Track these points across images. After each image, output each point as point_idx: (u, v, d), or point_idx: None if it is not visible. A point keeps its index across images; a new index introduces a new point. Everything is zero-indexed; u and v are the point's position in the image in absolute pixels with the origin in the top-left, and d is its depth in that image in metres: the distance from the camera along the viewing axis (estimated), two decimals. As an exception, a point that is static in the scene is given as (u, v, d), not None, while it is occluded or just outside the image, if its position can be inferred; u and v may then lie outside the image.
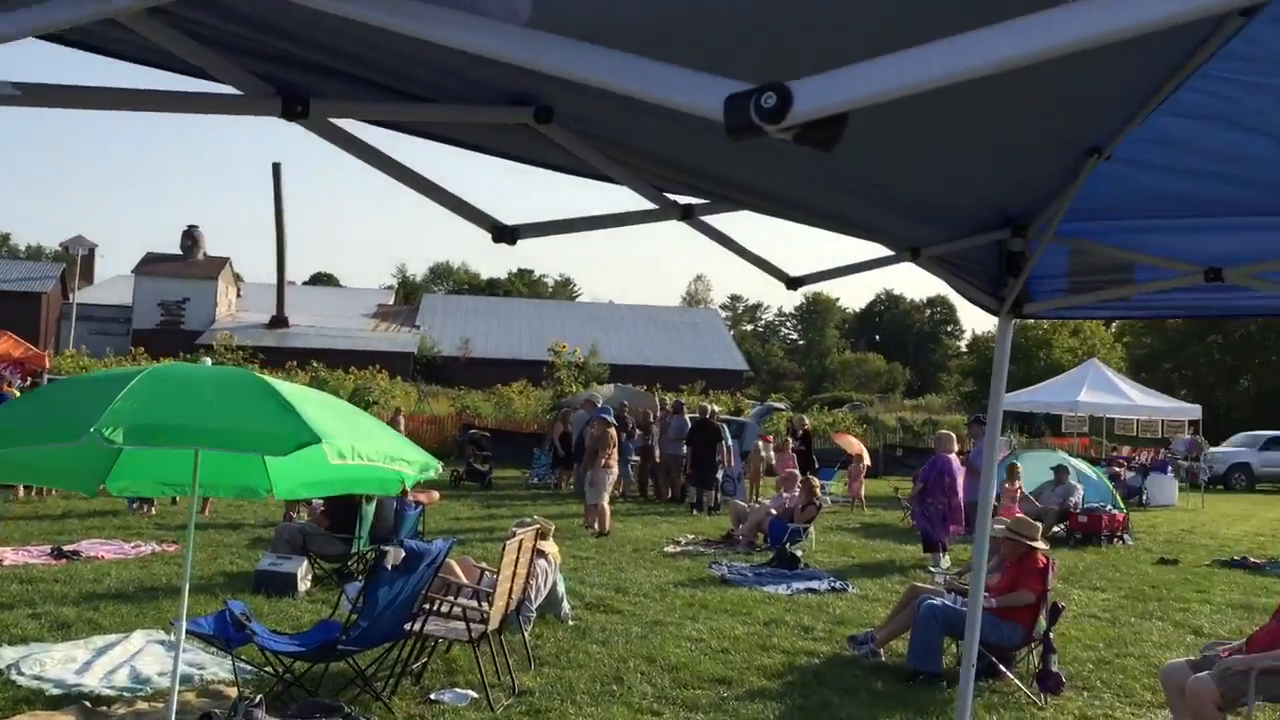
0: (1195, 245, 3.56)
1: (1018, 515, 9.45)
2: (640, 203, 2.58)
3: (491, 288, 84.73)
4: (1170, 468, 28.42)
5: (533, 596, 8.40)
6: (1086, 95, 2.61)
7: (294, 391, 5.17)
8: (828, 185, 2.60)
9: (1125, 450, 34.61)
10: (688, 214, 2.59)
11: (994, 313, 3.99)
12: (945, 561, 12.96)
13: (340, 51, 1.85)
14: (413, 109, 2.07)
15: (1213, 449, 34.58)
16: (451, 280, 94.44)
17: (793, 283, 3.09)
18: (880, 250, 3.33)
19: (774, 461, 21.60)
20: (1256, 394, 52.05)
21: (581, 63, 1.10)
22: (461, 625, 7.07)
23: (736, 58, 1.76)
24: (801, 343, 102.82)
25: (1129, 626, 10.28)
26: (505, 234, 2.16)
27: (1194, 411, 29.21)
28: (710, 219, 2.76)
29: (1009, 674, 7.78)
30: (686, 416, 20.11)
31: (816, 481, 15.01)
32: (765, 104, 0.96)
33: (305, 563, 10.12)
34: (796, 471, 15.94)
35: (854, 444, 24.65)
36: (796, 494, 14.64)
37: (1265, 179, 3.11)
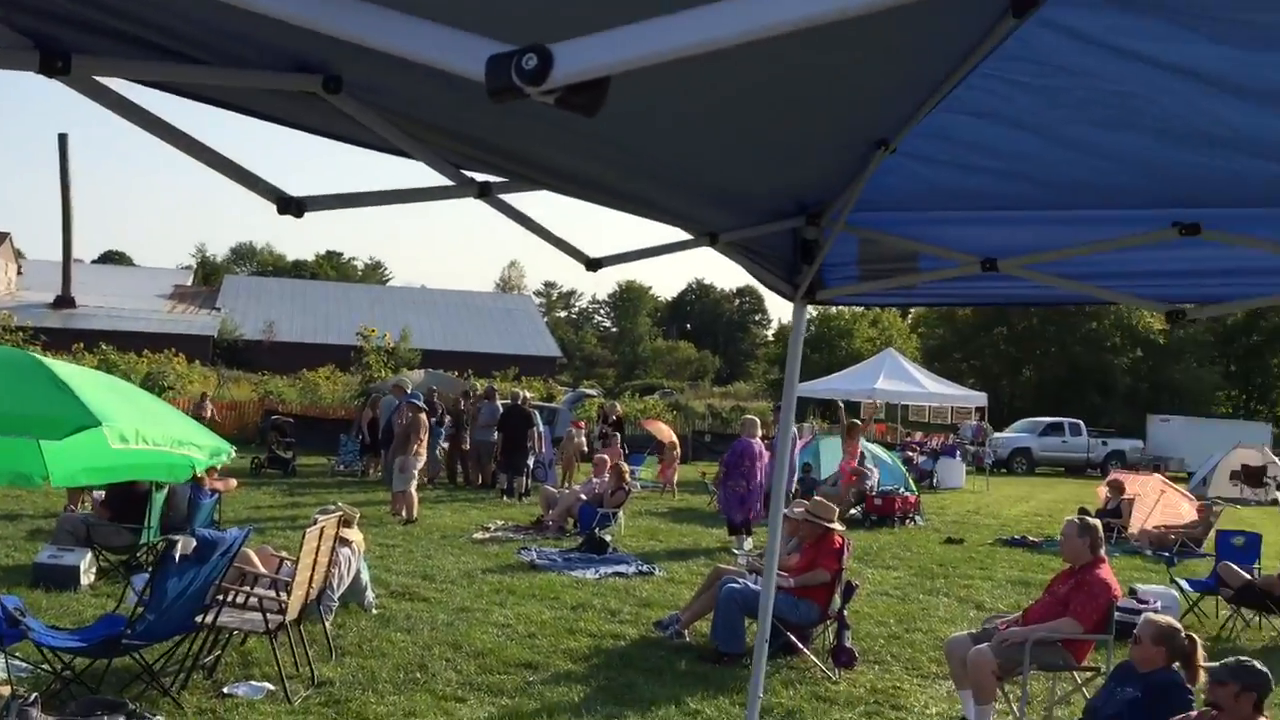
0: (973, 237, 3.75)
1: (817, 498, 9.78)
2: (437, 179, 2.53)
3: (298, 270, 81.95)
4: (958, 452, 30.06)
5: (335, 585, 8.19)
6: (872, 89, 2.71)
7: (73, 373, 4.88)
8: (626, 166, 2.62)
9: (918, 435, 36.39)
10: (485, 192, 2.56)
11: (789, 298, 4.11)
12: (749, 544, 13.31)
13: (109, 6, 1.74)
14: (189, 70, 1.96)
15: (997, 434, 36.81)
16: (255, 261, 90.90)
17: (592, 264, 3.10)
18: (681, 234, 3.38)
19: (585, 449, 21.77)
20: (1037, 383, 55.60)
21: (342, 18, 1.06)
22: (258, 616, 6.83)
23: (506, 19, 1.73)
24: (614, 330, 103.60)
25: (918, 603, 10.80)
26: (291, 205, 2.08)
27: (980, 399, 30.94)
28: (509, 197, 2.73)
29: (806, 650, 8.06)
30: (498, 402, 19.99)
31: (626, 467, 15.17)
32: (526, 65, 0.95)
33: (89, 555, 9.56)
34: (606, 457, 16.07)
35: (664, 430, 25.04)
36: (606, 479, 14.77)
37: (1037, 175, 3.30)
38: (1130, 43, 2.42)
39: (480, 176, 2.56)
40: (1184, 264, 3.64)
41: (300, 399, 33.02)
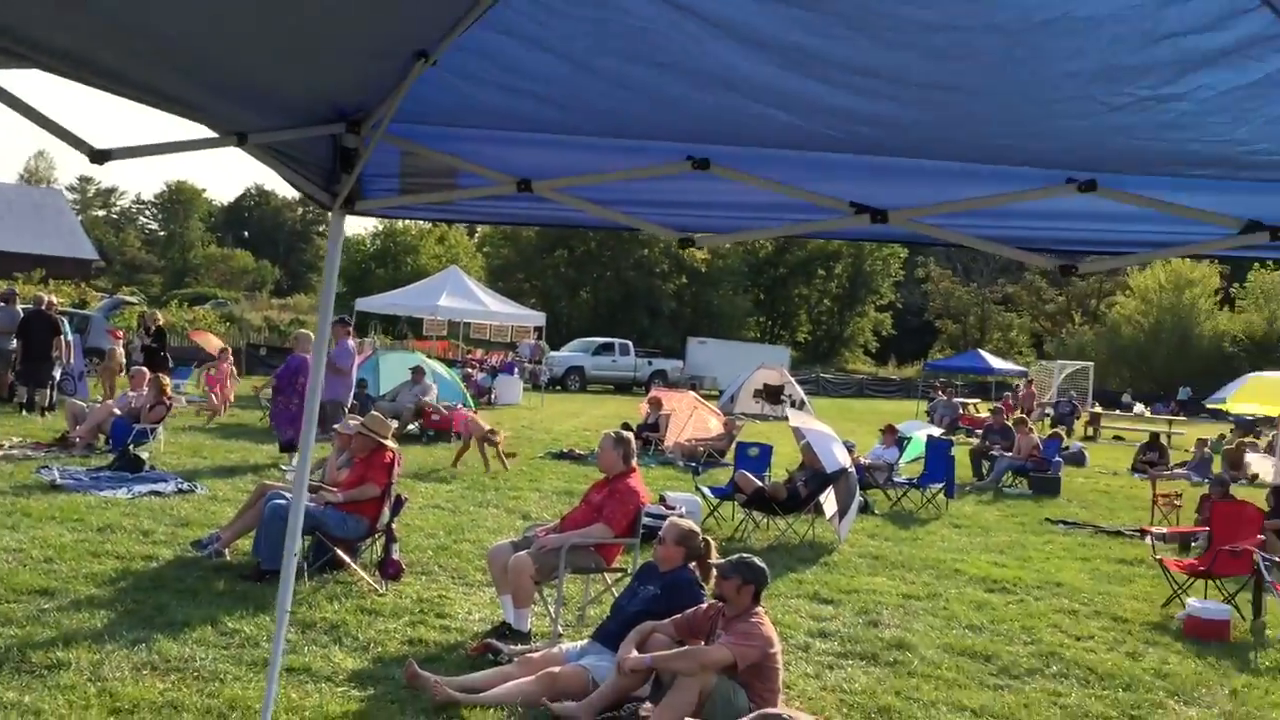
0: (509, 157, 3.84)
1: (372, 413, 9.70)
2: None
3: None
4: (516, 370, 31.10)
5: None
6: (409, -3, 2.67)
7: None
8: (126, 48, 2.39)
9: (478, 353, 37.16)
10: (-41, 65, 2.25)
11: (327, 207, 4.00)
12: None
13: None
14: None
15: (553, 353, 38.49)
16: None
17: (98, 156, 2.82)
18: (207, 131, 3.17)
19: (122, 360, 20.13)
20: (594, 305, 58.59)
21: None
22: None
23: None
24: (163, 234, 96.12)
25: (468, 515, 11.10)
26: None
27: (539, 318, 32.12)
28: (-7, 74, 2.42)
29: (353, 565, 8.03)
30: (19, 307, 17.94)
31: (167, 380, 14.21)
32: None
33: None
34: (145, 369, 14.96)
35: (213, 341, 23.75)
36: (145, 393, 13.76)
37: (568, 101, 3.43)
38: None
39: (-49, 47, 2.24)
40: (696, 195, 3.94)
41: None
